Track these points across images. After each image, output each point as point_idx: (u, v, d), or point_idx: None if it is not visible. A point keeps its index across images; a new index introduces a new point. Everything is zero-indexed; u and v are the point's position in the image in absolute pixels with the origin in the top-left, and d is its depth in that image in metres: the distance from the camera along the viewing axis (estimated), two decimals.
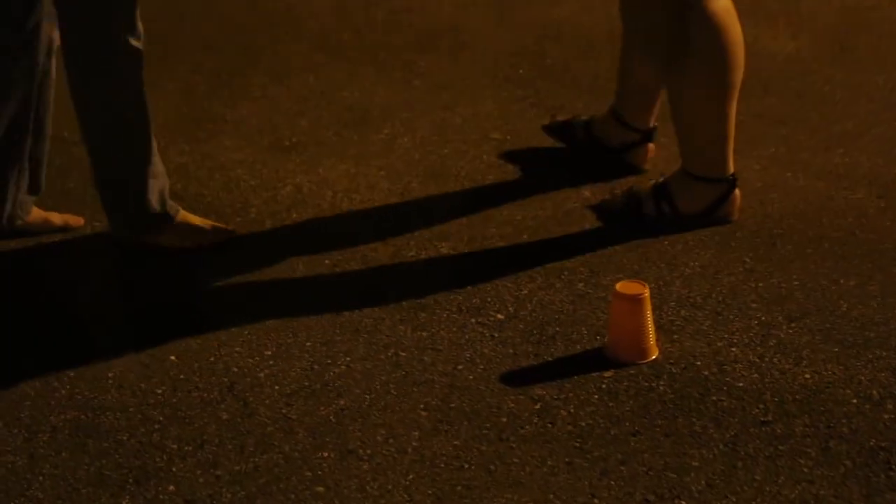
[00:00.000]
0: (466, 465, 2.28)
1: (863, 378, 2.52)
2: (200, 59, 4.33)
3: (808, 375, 2.54)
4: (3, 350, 2.73)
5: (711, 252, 3.07)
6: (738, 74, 3.13)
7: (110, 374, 2.62)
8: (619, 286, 2.63)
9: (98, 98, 2.95)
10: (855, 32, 4.54)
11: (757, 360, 2.61)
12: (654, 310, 2.63)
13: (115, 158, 3.02)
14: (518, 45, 4.37)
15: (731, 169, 3.19)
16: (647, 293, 2.60)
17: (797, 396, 2.46)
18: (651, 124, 3.49)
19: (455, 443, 2.35)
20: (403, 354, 2.68)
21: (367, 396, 2.52)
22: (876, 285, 2.90)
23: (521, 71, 4.17)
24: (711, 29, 3.06)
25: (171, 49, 4.38)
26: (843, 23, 4.65)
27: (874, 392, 2.47)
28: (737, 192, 3.20)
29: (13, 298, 2.98)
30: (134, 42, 2.89)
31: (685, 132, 3.22)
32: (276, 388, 2.57)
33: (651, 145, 3.51)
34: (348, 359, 2.66)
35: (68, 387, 2.57)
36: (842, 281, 2.92)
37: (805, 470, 2.24)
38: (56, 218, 3.23)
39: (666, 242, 3.12)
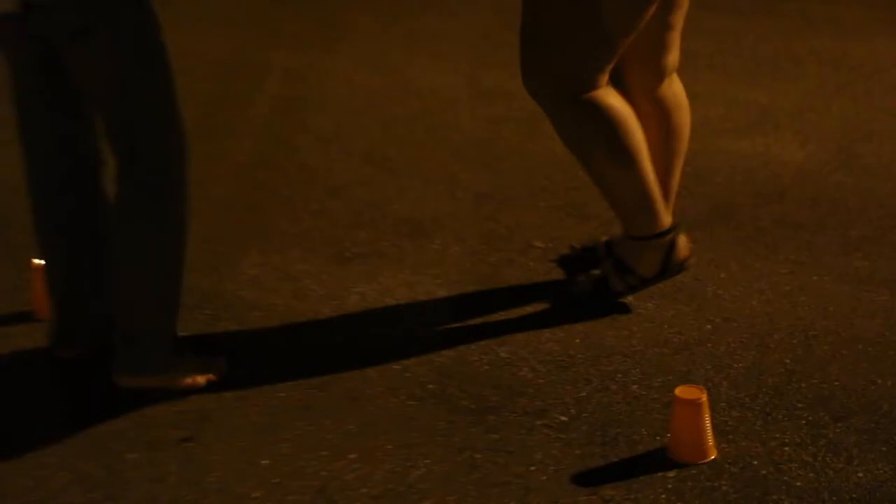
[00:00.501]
0: None
1: None
2: (261, 176, 4.36)
3: (860, 474, 2.54)
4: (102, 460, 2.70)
5: (752, 353, 3.09)
6: (633, 144, 3.13)
7: (210, 479, 2.62)
8: (678, 391, 2.64)
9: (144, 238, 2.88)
10: (857, 141, 4.60)
11: (810, 460, 2.61)
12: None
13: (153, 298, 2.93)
14: (550, 156, 4.40)
15: (668, 222, 3.24)
16: (705, 398, 2.61)
17: (853, 495, 2.47)
18: (668, 224, 3.42)
19: None
20: (478, 457, 2.67)
21: (450, 498, 2.52)
22: None
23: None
24: (601, 115, 3.09)
25: (232, 167, 4.41)
26: (845, 133, 4.70)
27: None
28: (681, 237, 3.24)
29: (90, 405, 2.93)
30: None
31: (612, 203, 3.28)
32: (364, 490, 2.56)
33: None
34: (427, 461, 2.66)
35: (172, 489, 2.58)
36: (879, 381, 2.94)
37: None
38: None
39: (709, 345, 3.14)
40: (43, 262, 3.05)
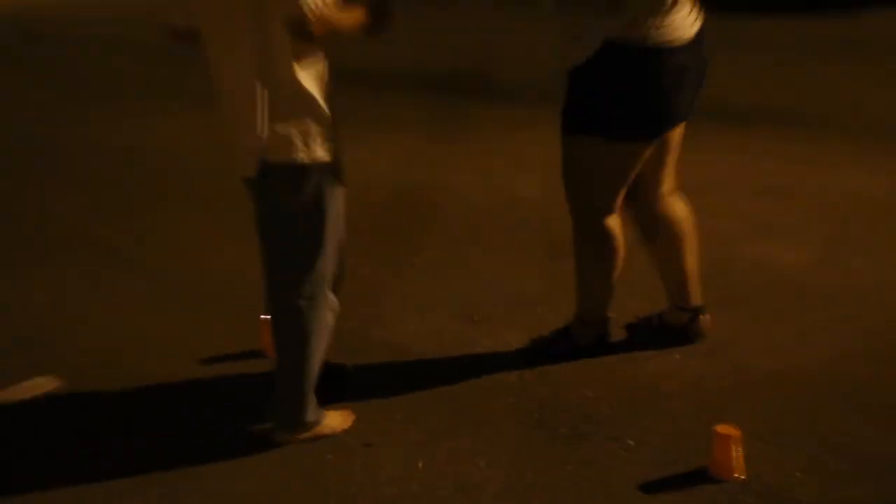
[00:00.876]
0: None
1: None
2: (414, 262, 4.31)
3: (841, 493, 2.46)
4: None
5: (769, 399, 3.00)
6: (615, 261, 3.15)
7: (383, 474, 2.64)
8: (718, 428, 2.58)
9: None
10: (836, 249, 4.40)
11: (814, 483, 2.54)
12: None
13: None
14: None
15: (607, 316, 3.28)
16: (738, 434, 2.54)
17: None
18: (697, 302, 3.36)
19: None
20: (570, 468, 2.65)
21: (550, 498, 2.51)
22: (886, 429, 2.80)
23: None
24: (607, 236, 3.10)
25: (391, 254, 4.41)
26: (828, 243, 4.49)
27: None
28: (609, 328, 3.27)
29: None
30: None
31: (579, 289, 3.26)
32: (490, 489, 2.57)
33: (704, 317, 3.38)
34: (534, 470, 2.65)
35: (357, 481, 2.58)
36: (856, 428, 2.81)
37: None
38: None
39: (737, 391, 3.06)
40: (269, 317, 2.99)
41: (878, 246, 4.37)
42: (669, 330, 3.42)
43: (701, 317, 3.37)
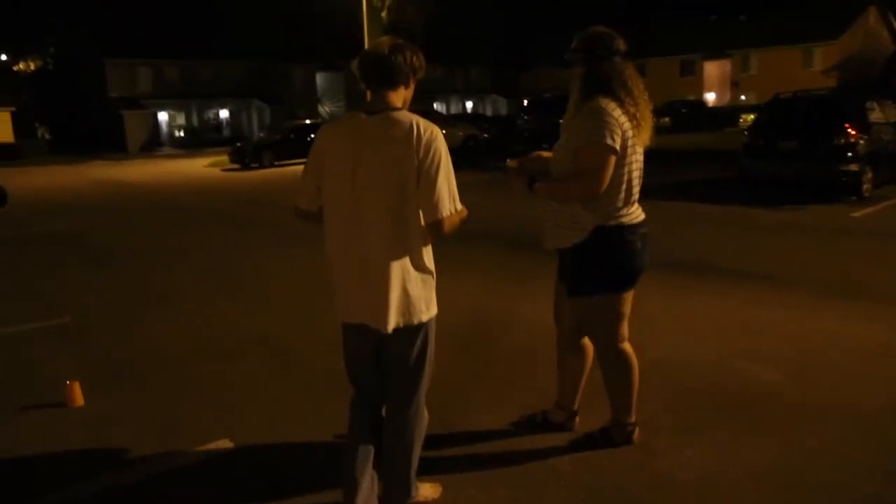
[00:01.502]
0: None
1: None
2: (480, 367, 4.51)
3: None
4: None
5: (762, 495, 3.12)
6: (633, 373, 3.39)
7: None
8: None
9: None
10: (805, 368, 4.34)
11: None
12: None
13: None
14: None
15: (634, 418, 3.47)
16: None
17: None
18: (575, 407, 3.64)
19: None
20: None
21: None
22: None
23: None
24: (625, 358, 3.39)
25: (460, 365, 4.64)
26: (799, 362, 4.46)
27: None
28: (637, 430, 3.47)
29: None
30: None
31: (612, 401, 3.46)
32: None
33: (577, 417, 3.67)
34: None
35: None
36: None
37: None
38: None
39: (743, 484, 3.18)
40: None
41: (832, 366, 4.45)
42: (551, 424, 3.65)
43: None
